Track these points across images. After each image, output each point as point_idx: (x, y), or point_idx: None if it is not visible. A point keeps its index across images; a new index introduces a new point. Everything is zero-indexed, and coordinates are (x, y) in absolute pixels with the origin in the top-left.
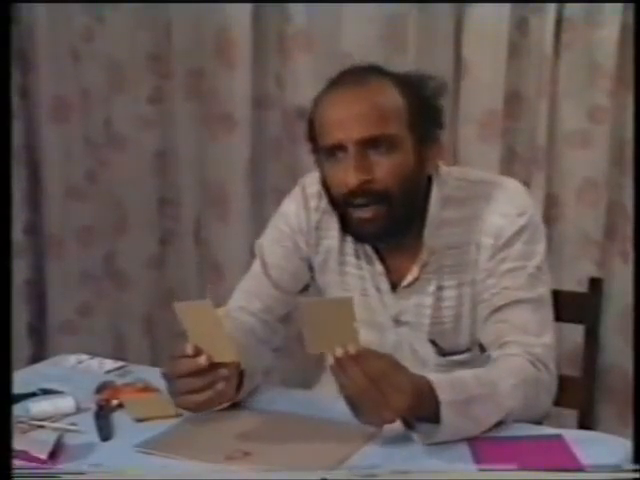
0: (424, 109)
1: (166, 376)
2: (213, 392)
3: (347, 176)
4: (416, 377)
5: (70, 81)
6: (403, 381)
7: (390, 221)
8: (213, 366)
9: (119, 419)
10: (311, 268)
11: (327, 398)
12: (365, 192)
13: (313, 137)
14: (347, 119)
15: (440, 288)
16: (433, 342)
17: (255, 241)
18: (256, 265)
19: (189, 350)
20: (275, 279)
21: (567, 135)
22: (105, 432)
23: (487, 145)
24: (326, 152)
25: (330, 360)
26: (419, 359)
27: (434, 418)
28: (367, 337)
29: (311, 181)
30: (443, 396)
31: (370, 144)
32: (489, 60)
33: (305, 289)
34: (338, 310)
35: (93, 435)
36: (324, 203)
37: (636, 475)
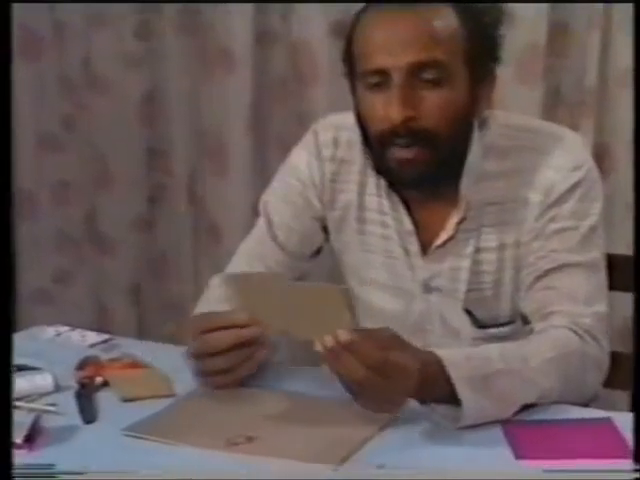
0: (483, 40)
1: (197, 354)
2: (253, 363)
3: (389, 110)
4: (423, 354)
5: (42, 12)
6: (407, 363)
7: (433, 165)
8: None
9: (104, 399)
10: (325, 228)
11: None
12: (409, 130)
13: (350, 59)
14: (395, 42)
15: (479, 250)
16: (468, 312)
17: (258, 198)
18: (260, 225)
19: (243, 318)
20: (282, 241)
21: (620, 75)
22: (88, 414)
23: (526, 87)
24: (365, 79)
25: (319, 349)
26: (451, 331)
27: (453, 399)
28: (391, 306)
29: (325, 126)
30: (456, 373)
31: (418, 74)
32: None
33: (317, 253)
34: (328, 300)
35: (74, 417)
36: (341, 151)
37: (636, 475)
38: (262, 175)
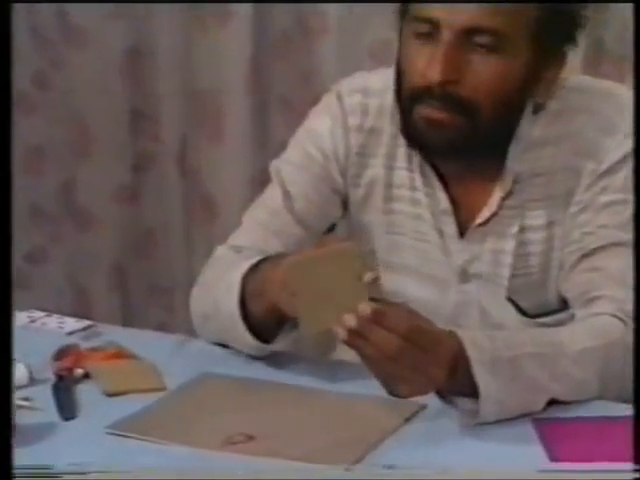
0: (559, 16)
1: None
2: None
3: (430, 68)
4: (445, 330)
5: None
6: (443, 332)
7: (467, 134)
8: None
9: (85, 393)
10: (345, 204)
11: (350, 366)
12: (445, 94)
13: None
14: None
15: (524, 229)
16: (512, 301)
17: (258, 167)
18: (272, 195)
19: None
20: (300, 213)
21: None
22: (67, 409)
23: None
24: (414, 25)
25: (341, 334)
26: (492, 324)
27: (473, 390)
28: (421, 296)
29: (350, 89)
30: (475, 354)
31: (472, 36)
32: None
33: (331, 230)
34: (339, 265)
35: (52, 413)
36: (370, 120)
37: (636, 475)
38: (263, 141)
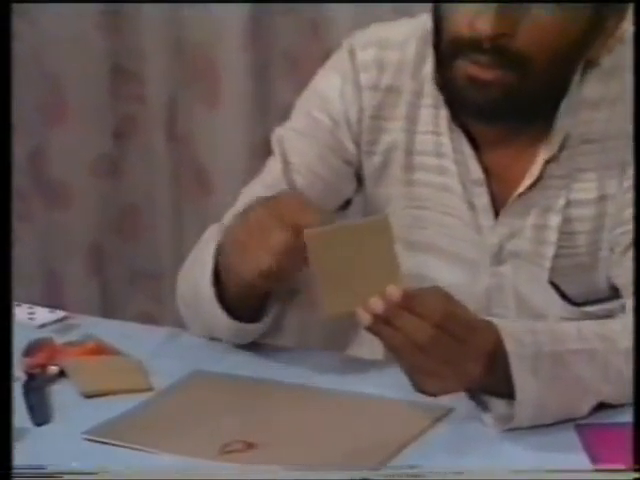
0: None
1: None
2: None
3: (480, 18)
4: (483, 320)
5: None
6: (481, 321)
7: (515, 96)
8: None
9: (60, 394)
10: (358, 177)
11: (367, 363)
12: (497, 49)
13: None
14: None
15: (570, 203)
16: (555, 286)
17: (258, 135)
18: (272, 167)
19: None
20: (302, 188)
21: None
22: (39, 412)
23: None
24: None
25: (364, 320)
26: (530, 312)
27: (509, 390)
28: (447, 279)
29: (364, 42)
30: (514, 347)
31: None
32: None
33: (344, 207)
34: (368, 238)
35: (22, 416)
36: (387, 77)
37: (636, 475)
38: (264, 105)
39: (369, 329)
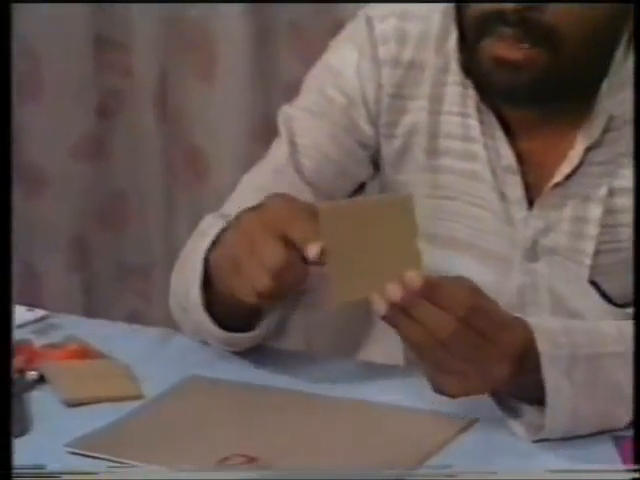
0: None
1: None
2: None
3: None
4: (513, 316)
5: None
6: (509, 317)
7: (548, 76)
8: None
9: (40, 402)
10: (375, 162)
11: (381, 369)
12: (523, 21)
13: None
14: None
15: (614, 192)
16: (595, 284)
17: (259, 113)
18: (278, 149)
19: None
20: (310, 173)
21: None
22: (17, 422)
23: None
24: None
25: (380, 307)
26: (567, 313)
27: (540, 395)
28: (474, 277)
29: (383, 12)
30: (548, 348)
31: None
32: None
33: (358, 191)
34: (389, 217)
35: None
36: (409, 51)
37: (636, 475)
38: (267, 80)
39: (385, 319)
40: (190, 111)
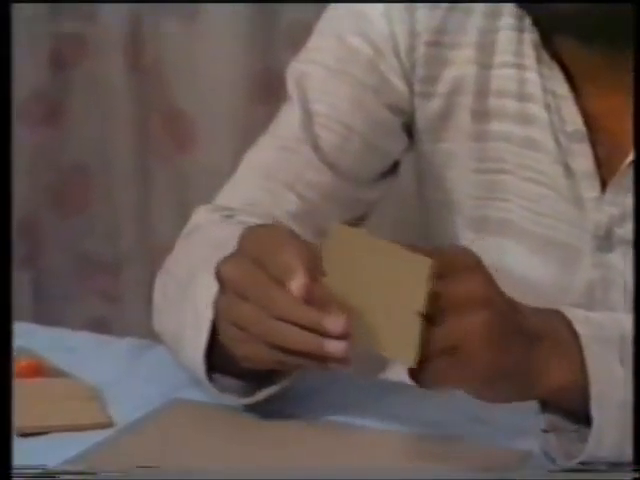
0: None
1: None
2: None
3: None
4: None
5: None
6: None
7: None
8: None
9: None
10: (409, 129)
11: (410, 391)
12: None
13: None
14: None
15: None
16: None
17: (258, 66)
18: (287, 117)
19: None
20: (331, 149)
21: None
22: None
23: None
24: None
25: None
26: None
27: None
28: (535, 271)
29: None
30: (585, 330)
31: None
32: None
33: (389, 174)
34: (399, 269)
35: None
36: None
37: (636, 475)
38: (265, 23)
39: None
40: (169, 62)
